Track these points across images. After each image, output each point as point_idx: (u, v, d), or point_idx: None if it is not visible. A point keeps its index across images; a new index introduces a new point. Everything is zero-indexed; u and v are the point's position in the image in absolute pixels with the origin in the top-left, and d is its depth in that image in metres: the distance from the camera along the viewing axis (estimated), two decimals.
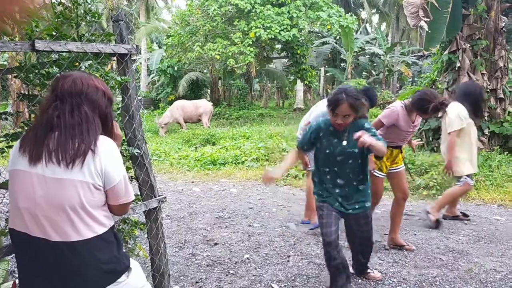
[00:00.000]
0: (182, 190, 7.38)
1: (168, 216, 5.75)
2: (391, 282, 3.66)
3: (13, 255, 2.00)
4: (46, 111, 1.73)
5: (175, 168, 9.44)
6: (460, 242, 4.54)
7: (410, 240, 4.59)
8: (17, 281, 2.30)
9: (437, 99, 4.02)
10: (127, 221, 2.80)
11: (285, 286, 3.67)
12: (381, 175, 4.31)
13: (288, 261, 4.18)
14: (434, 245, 4.45)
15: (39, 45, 2.17)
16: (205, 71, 24.49)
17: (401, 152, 4.35)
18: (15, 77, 2.82)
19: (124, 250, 1.94)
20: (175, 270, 4.00)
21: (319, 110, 4.73)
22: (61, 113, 1.72)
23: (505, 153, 7.73)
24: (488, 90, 8.18)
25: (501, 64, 8.39)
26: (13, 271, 3.61)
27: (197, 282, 3.81)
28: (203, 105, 16.02)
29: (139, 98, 2.91)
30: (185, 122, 15.79)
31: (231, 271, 4.00)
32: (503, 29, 8.54)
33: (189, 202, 6.53)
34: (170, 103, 19.46)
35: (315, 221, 4.85)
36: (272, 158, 9.33)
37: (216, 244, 4.68)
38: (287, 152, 9.43)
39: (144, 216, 2.76)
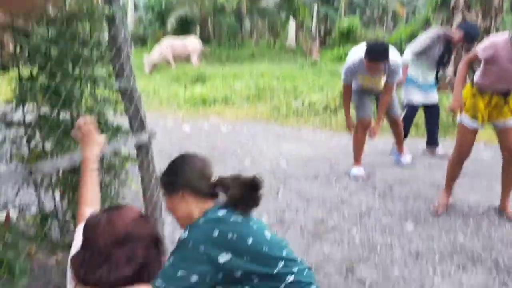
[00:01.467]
0: (172, 128, 7.38)
1: (159, 153, 5.78)
2: (376, 215, 3.78)
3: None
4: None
5: (164, 106, 9.39)
6: None
7: (397, 177, 4.70)
8: (11, 210, 2.35)
9: None
10: (117, 155, 2.81)
11: (274, 218, 3.78)
12: (470, 125, 3.56)
13: (278, 195, 4.28)
14: (420, 181, 4.56)
15: None
16: (194, 7, 23.75)
17: (506, 101, 3.48)
18: None
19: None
20: None
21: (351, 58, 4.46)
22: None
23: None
24: (481, 29, 8.07)
25: (496, 2, 8.24)
26: None
27: None
28: (192, 43, 15.69)
29: None
30: (174, 60, 15.52)
31: None
32: None
33: (180, 140, 6.55)
34: (158, 40, 19.01)
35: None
36: (263, 97, 9.29)
37: None
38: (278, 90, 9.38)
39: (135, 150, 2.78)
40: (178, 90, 10.56)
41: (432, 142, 5.51)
